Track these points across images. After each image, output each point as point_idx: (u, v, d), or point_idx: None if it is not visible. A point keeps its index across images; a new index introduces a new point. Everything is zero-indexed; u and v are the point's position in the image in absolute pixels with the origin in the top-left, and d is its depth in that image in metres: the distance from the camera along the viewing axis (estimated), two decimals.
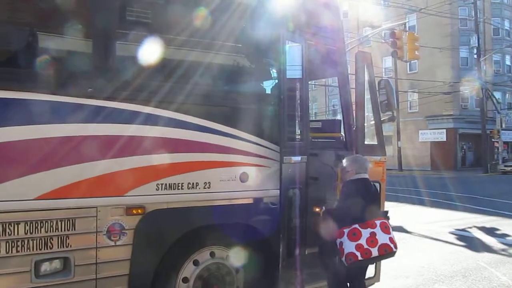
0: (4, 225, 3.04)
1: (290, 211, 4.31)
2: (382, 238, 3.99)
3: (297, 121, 4.62)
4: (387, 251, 4.01)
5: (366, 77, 4.95)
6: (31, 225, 3.14)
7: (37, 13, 3.33)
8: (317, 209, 4.90)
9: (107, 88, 3.41)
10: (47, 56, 3.39)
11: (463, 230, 10.40)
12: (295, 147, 4.35)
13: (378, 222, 4.03)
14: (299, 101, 4.65)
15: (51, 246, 3.21)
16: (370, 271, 4.92)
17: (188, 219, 3.77)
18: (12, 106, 3.09)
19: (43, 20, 3.40)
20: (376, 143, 5.03)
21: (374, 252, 3.95)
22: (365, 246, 3.93)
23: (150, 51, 3.81)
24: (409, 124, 38.68)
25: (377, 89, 5.10)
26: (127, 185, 3.51)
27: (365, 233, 3.96)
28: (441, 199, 15.89)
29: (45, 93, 3.19)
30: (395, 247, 4.07)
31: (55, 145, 3.21)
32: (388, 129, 33.15)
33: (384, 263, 5.08)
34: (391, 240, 4.05)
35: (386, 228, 4.05)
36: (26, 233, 3.12)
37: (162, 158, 3.66)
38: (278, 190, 4.20)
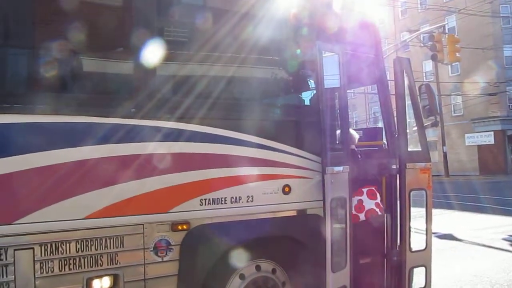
0: (57, 244, 3.15)
1: (334, 222, 4.26)
2: (368, 204, 4.56)
3: (337, 131, 4.60)
4: (373, 215, 4.58)
5: (406, 83, 4.87)
6: (82, 243, 3.24)
7: (80, 36, 3.46)
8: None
9: (150, 108, 3.50)
10: (96, 82, 3.58)
11: None
12: (337, 157, 4.32)
13: (365, 190, 4.61)
14: (338, 110, 4.63)
15: (101, 264, 3.30)
16: (420, 280, 4.80)
17: (233, 233, 3.79)
18: (61, 130, 3.23)
19: (87, 44, 3.53)
20: (420, 149, 4.93)
21: (362, 217, 4.54)
22: (354, 212, 4.46)
23: (191, 69, 3.91)
24: (454, 128, 37.58)
25: (418, 94, 5.01)
26: (172, 201, 3.57)
27: (354, 200, 4.49)
28: (492, 204, 15.28)
29: (91, 115, 3.31)
30: (381, 211, 4.61)
31: (102, 166, 3.31)
32: (433, 134, 32.32)
33: (434, 272, 4.94)
34: (377, 205, 4.59)
35: (372, 195, 4.61)
36: (77, 251, 3.22)
37: (205, 174, 3.70)
38: (322, 201, 4.17)
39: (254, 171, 3.91)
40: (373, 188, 4.66)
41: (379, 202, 4.63)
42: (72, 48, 3.43)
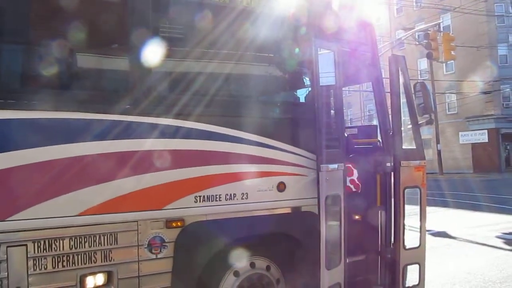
0: (51, 241, 3.14)
1: (329, 219, 4.27)
2: None
3: (332, 128, 4.59)
4: (348, 192, 4.55)
5: (401, 81, 4.87)
6: (76, 240, 3.22)
7: (75, 33, 3.44)
8: (357, 217, 4.87)
9: (145, 104, 3.48)
10: (91, 78, 3.58)
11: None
12: (332, 155, 4.31)
13: None
14: (333, 108, 4.62)
15: (95, 260, 3.29)
16: (414, 277, 4.82)
17: (227, 230, 3.79)
18: (55, 126, 3.21)
19: (82, 40, 3.50)
20: (415, 147, 4.94)
21: None
22: None
23: (187, 67, 3.89)
24: (449, 126, 37.71)
25: (413, 92, 5.01)
26: (166, 198, 3.56)
27: None
28: (486, 202, 15.32)
29: (86, 112, 3.29)
30: (356, 187, 4.74)
31: (97, 162, 3.30)
32: (427, 132, 32.42)
33: (428, 269, 4.96)
34: (352, 181, 4.73)
35: (347, 172, 4.61)
36: (71, 248, 3.20)
37: (200, 171, 3.69)
38: (316, 199, 4.18)
39: (249, 168, 3.91)
40: (349, 165, 4.67)
41: (355, 179, 4.70)
42: (66, 44, 3.40)
